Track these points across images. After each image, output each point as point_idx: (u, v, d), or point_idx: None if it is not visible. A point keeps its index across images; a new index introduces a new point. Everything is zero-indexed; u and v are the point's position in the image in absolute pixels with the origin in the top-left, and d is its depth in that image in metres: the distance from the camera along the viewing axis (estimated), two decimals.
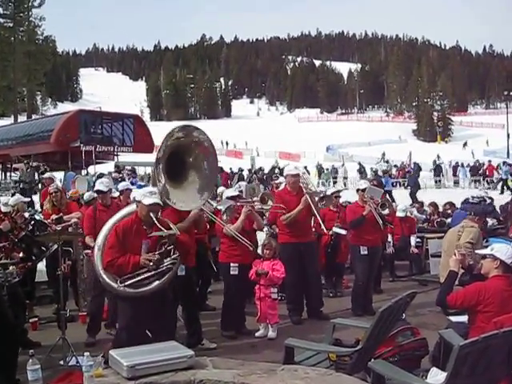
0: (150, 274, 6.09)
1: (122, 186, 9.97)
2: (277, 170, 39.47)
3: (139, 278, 6.06)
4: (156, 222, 6.03)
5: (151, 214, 6.05)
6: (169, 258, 6.16)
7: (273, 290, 8.35)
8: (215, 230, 9.05)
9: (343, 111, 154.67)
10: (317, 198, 9.39)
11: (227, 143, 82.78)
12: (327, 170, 47.11)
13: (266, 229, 10.81)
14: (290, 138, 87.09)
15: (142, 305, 6.04)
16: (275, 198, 9.25)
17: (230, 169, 40.38)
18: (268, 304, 8.34)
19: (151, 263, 6.06)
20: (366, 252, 9.69)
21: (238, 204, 8.45)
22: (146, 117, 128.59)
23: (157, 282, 6.13)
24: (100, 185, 8.47)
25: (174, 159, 6.53)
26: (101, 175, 20.96)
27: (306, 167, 37.55)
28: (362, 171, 44.30)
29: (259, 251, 8.82)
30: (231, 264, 8.35)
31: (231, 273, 8.34)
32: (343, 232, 11.02)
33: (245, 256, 8.34)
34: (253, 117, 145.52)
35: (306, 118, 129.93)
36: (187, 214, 7.24)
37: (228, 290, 8.50)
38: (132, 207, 6.66)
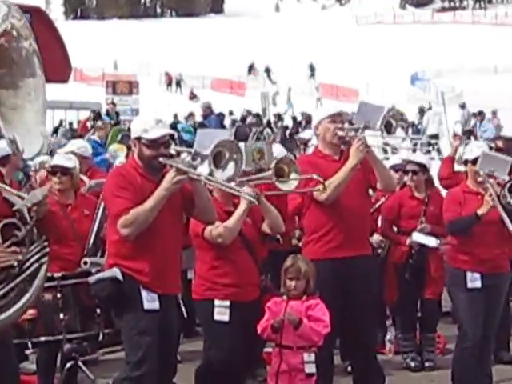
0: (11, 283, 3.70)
1: None
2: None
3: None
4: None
5: None
6: (35, 247, 3.78)
7: (307, 356, 5.06)
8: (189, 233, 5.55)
9: (444, 5, 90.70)
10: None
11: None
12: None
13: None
14: (341, 56, 53.29)
15: None
16: (300, 167, 5.65)
17: (220, 114, 22.65)
18: None
19: (14, 259, 3.66)
20: (478, 284, 5.91)
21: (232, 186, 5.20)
22: (57, 11, 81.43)
23: (27, 296, 3.73)
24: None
25: None
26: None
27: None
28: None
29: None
30: (216, 302, 5.27)
31: (215, 317, 5.26)
32: (432, 243, 6.77)
33: (244, 285, 5.28)
34: (266, 13, 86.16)
35: (371, 17, 76.41)
36: None
37: (210, 351, 5.35)
38: None
